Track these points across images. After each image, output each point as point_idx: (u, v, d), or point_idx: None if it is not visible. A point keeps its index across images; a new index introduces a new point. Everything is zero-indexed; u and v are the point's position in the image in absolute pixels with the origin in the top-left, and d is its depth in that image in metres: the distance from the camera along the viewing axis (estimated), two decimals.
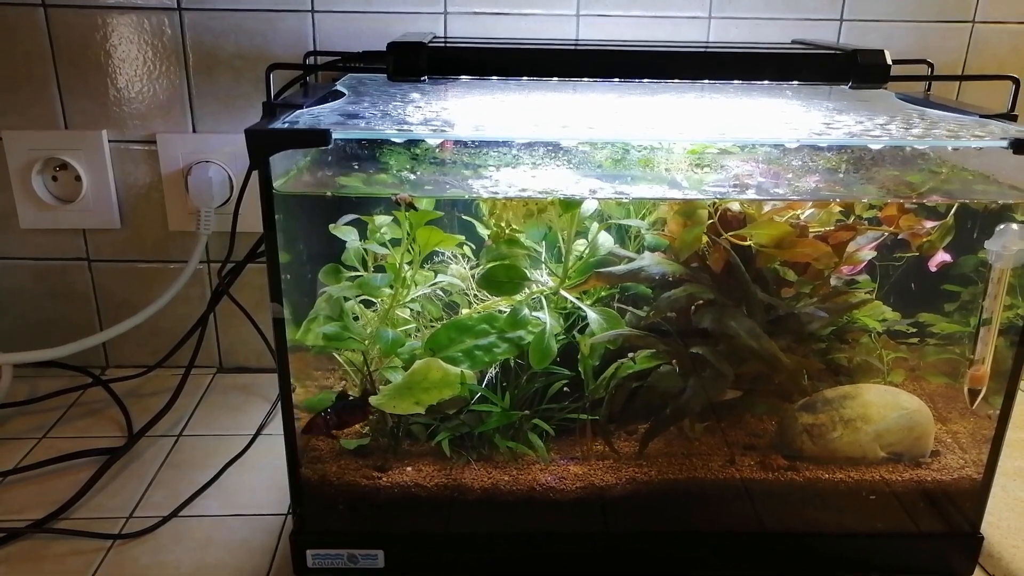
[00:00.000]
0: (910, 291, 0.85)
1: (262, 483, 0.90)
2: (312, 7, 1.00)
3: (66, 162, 1.05)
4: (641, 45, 0.95)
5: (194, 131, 1.05)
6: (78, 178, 1.06)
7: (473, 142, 0.67)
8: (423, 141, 0.69)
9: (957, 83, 1.02)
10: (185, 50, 1.02)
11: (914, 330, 0.85)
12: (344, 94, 0.83)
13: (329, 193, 0.67)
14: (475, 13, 1.01)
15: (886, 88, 0.89)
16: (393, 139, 0.65)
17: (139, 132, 1.05)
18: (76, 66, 1.02)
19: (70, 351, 1.02)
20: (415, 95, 0.81)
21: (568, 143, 0.66)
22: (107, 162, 1.06)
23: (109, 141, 1.05)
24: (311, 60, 0.94)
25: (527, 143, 0.68)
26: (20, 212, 1.07)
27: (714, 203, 0.70)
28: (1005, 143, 0.64)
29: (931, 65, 0.89)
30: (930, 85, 0.90)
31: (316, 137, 0.63)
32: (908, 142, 0.67)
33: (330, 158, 0.72)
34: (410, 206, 0.67)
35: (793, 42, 0.95)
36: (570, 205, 0.70)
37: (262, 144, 0.63)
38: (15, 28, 1.00)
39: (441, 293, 0.78)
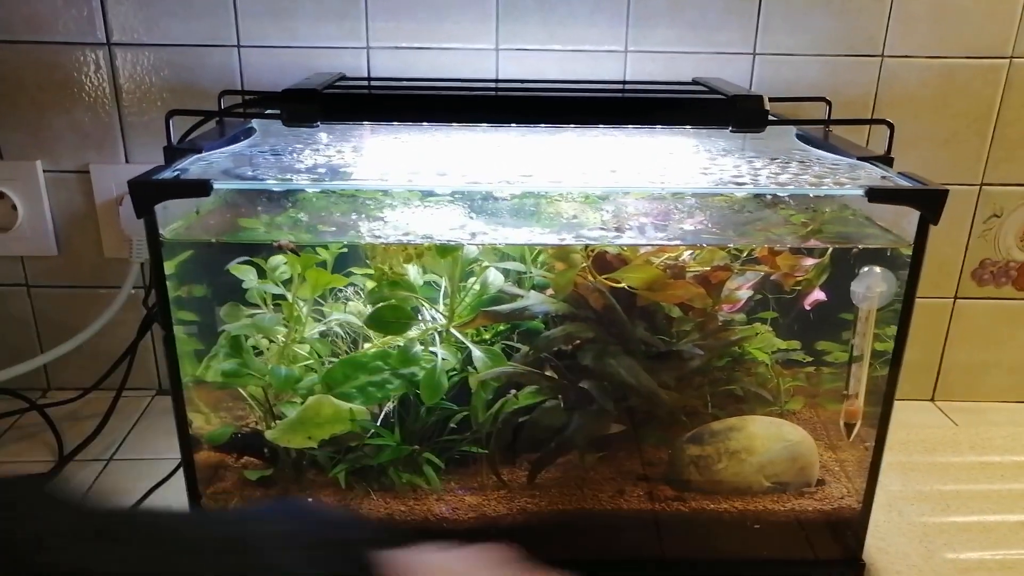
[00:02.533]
0: (808, 320, 0.87)
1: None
2: (238, 42, 1.03)
3: (2, 192, 1.08)
4: (547, 83, 0.97)
5: (127, 161, 1.08)
6: (14, 207, 1.09)
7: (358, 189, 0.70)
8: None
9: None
10: (116, 83, 1.05)
11: (810, 359, 0.87)
12: (255, 131, 0.86)
13: (214, 240, 0.70)
14: (397, 48, 1.03)
15: (790, 125, 0.92)
16: (272, 189, 0.67)
17: (73, 162, 1.08)
18: (9, 99, 1.04)
19: (6, 376, 1.04)
20: (322, 135, 0.84)
21: (444, 191, 0.69)
22: (42, 191, 1.09)
23: (44, 171, 1.08)
24: (224, 99, 0.96)
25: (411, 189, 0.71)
26: None
27: (586, 247, 0.72)
28: (861, 191, 0.67)
29: (829, 103, 0.92)
30: (828, 127, 0.92)
31: (198, 188, 0.66)
32: (771, 190, 0.69)
33: (232, 201, 0.75)
34: (293, 251, 0.70)
35: (693, 81, 0.97)
36: (446, 250, 0.73)
37: (146, 194, 0.66)
38: None
39: (339, 330, 0.80)
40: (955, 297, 1.16)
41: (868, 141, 1.01)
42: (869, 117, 1.03)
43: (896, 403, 0.74)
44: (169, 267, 0.72)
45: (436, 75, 1.04)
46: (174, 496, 0.94)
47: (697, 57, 1.04)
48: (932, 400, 1.21)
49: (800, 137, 0.88)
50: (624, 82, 1.00)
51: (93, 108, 1.06)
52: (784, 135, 0.90)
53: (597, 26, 1.03)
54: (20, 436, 1.07)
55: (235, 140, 0.83)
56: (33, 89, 1.04)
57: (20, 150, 1.07)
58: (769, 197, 0.76)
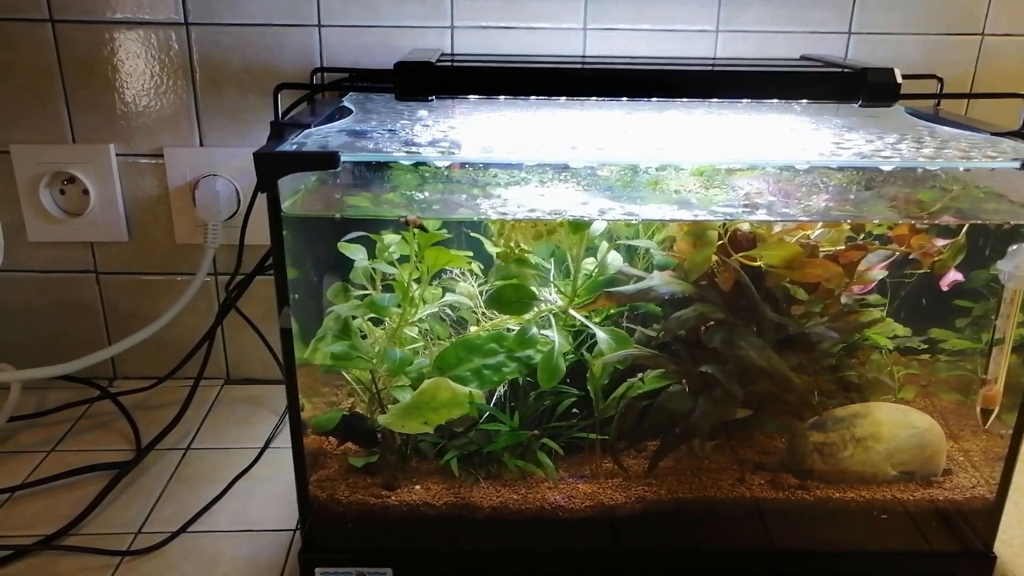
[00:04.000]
0: (921, 307, 0.84)
1: (270, 498, 0.90)
2: (319, 22, 1.00)
3: (74, 175, 1.05)
4: (648, 61, 0.94)
5: (201, 145, 1.06)
6: (86, 191, 1.06)
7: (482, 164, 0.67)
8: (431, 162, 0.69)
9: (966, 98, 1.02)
10: (192, 64, 1.02)
11: (925, 346, 0.84)
12: (351, 111, 0.83)
13: (338, 215, 0.67)
14: (482, 27, 1.01)
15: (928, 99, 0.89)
16: (402, 161, 0.64)
17: (146, 146, 1.06)
18: (83, 80, 1.02)
19: (79, 366, 1.02)
20: (422, 113, 0.81)
21: (576, 165, 0.66)
22: (114, 175, 1.06)
23: (117, 155, 1.05)
24: (318, 77, 0.94)
25: (535, 164, 0.68)
26: (28, 225, 1.07)
27: (723, 224, 0.70)
28: (1018, 164, 0.64)
29: (941, 80, 0.89)
30: (940, 101, 0.90)
31: (325, 160, 0.63)
32: (920, 163, 0.66)
33: (337, 177, 0.72)
34: (420, 227, 0.67)
35: (801, 57, 0.94)
36: (579, 226, 0.70)
37: (271, 167, 0.63)
38: (22, 43, 1.00)
39: (449, 311, 0.78)
40: None
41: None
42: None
43: None
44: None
45: (522, 55, 1.01)
46: (258, 484, 0.92)
47: (790, 36, 1.01)
48: None
49: (913, 115, 0.85)
50: (727, 60, 0.98)
51: (168, 89, 1.03)
52: (893, 114, 0.87)
53: (687, 5, 1.00)
54: (93, 426, 1.05)
55: (332, 119, 0.81)
56: (107, 70, 1.02)
57: (93, 133, 1.05)
58: (888, 174, 0.73)
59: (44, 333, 1.12)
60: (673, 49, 1.01)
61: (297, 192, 0.71)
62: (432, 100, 0.73)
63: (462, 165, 0.66)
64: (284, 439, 1.01)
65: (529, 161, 0.64)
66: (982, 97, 0.90)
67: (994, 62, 1.01)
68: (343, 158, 0.63)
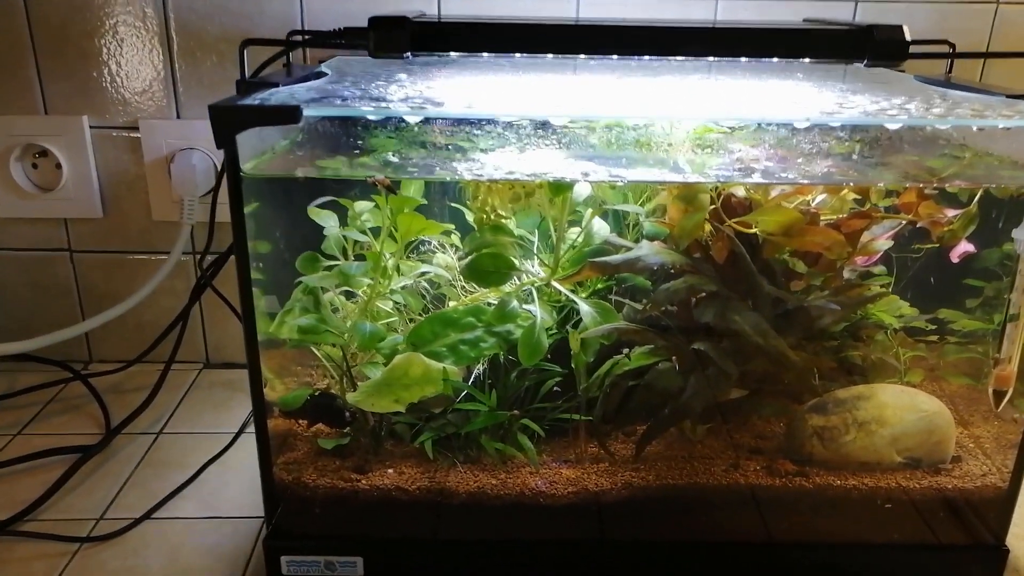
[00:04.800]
0: (929, 285, 0.79)
1: (241, 484, 0.86)
2: None
3: (46, 149, 1.01)
4: (643, 23, 0.90)
5: (178, 117, 1.01)
6: (59, 165, 1.02)
7: (459, 121, 0.63)
8: (406, 123, 0.64)
9: (980, 66, 0.97)
10: (168, 32, 0.98)
11: (933, 327, 0.79)
12: (327, 74, 0.79)
13: (301, 174, 0.63)
14: None
15: (904, 71, 0.84)
16: (369, 116, 0.60)
17: (121, 118, 1.02)
18: (56, 49, 0.98)
19: (45, 343, 0.98)
20: (401, 75, 0.77)
21: (558, 122, 0.61)
22: (88, 149, 1.02)
23: (90, 127, 1.02)
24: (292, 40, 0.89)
25: (515, 123, 0.63)
26: None
27: (717, 187, 0.65)
28: None
29: (952, 45, 0.84)
30: (951, 66, 0.85)
31: (286, 114, 0.58)
32: (928, 121, 0.61)
33: (307, 141, 0.68)
34: (389, 189, 0.63)
35: (804, 21, 0.89)
36: (560, 188, 0.65)
37: (228, 120, 0.58)
38: None
39: (427, 285, 0.73)
40: None
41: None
42: (982, 65, 0.95)
43: None
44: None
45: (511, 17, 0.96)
46: (230, 470, 0.88)
47: (794, 4, 0.96)
48: None
49: (923, 81, 0.80)
50: (726, 24, 0.93)
51: (143, 59, 0.99)
52: (902, 80, 0.82)
53: None
54: (65, 408, 1.01)
55: (305, 81, 0.76)
56: (80, 37, 0.98)
57: (65, 104, 1.01)
58: (896, 139, 0.68)
59: (17, 313, 1.08)
60: (671, 15, 0.97)
61: (262, 155, 0.66)
62: (408, 56, 0.68)
63: (441, 122, 0.62)
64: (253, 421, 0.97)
65: (504, 116, 0.59)
66: (996, 56, 0.85)
67: (1009, 31, 0.96)
68: (306, 112, 0.59)
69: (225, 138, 0.59)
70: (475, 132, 0.64)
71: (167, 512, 0.82)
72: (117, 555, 0.75)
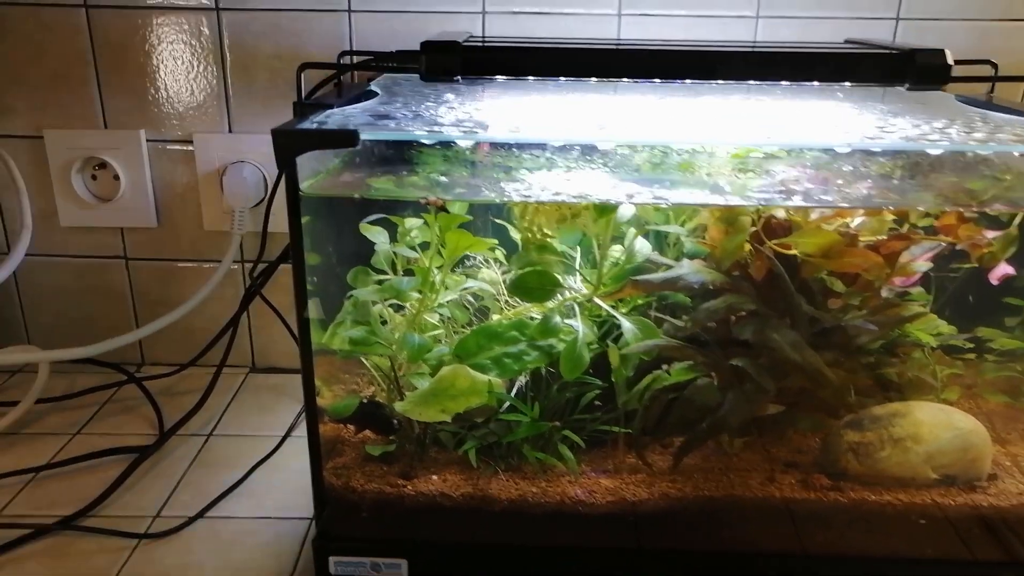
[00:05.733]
0: (966, 304, 0.80)
1: (289, 485, 0.89)
2: (349, 7, 0.99)
3: (105, 161, 1.06)
4: (684, 45, 0.91)
5: (230, 131, 1.05)
6: (116, 177, 1.07)
7: (507, 144, 0.65)
8: (455, 144, 0.67)
9: (1021, 88, 0.97)
10: (223, 50, 1.02)
11: (971, 345, 0.80)
12: (377, 94, 0.82)
13: (357, 195, 0.66)
14: (514, 12, 0.99)
15: (945, 91, 0.85)
16: (422, 140, 0.63)
17: (176, 132, 1.06)
18: (116, 66, 1.03)
19: (104, 349, 1.02)
20: (449, 96, 0.79)
21: (605, 146, 0.63)
22: (145, 161, 1.06)
23: (147, 140, 1.06)
24: (346, 60, 0.93)
25: (562, 146, 0.66)
26: (60, 210, 1.08)
27: (758, 210, 0.67)
28: None
29: (995, 66, 0.84)
30: (994, 87, 0.85)
31: (344, 138, 0.61)
32: (969, 147, 0.62)
33: (359, 159, 0.71)
34: (440, 208, 0.65)
35: (846, 42, 0.90)
36: (605, 210, 0.68)
37: (289, 144, 0.62)
38: (57, 28, 1.01)
39: (471, 298, 0.76)
40: None
41: None
42: None
43: None
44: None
45: (554, 39, 0.99)
46: (278, 472, 0.91)
47: (835, 22, 0.97)
48: None
49: (964, 102, 0.81)
50: (766, 43, 0.94)
51: (198, 76, 1.03)
52: (943, 101, 0.83)
53: None
54: (119, 410, 1.05)
55: (357, 101, 0.79)
56: (139, 55, 1.02)
57: (124, 119, 1.05)
58: (936, 162, 0.69)
59: (75, 317, 1.13)
60: (710, 36, 0.98)
61: (318, 174, 0.69)
62: (459, 80, 0.71)
63: (489, 145, 0.64)
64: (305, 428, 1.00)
65: (553, 140, 0.62)
66: None
67: None
68: (363, 136, 0.62)
69: (286, 160, 0.62)
70: (524, 155, 0.66)
71: (219, 511, 0.85)
72: (173, 552, 0.79)
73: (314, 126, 0.65)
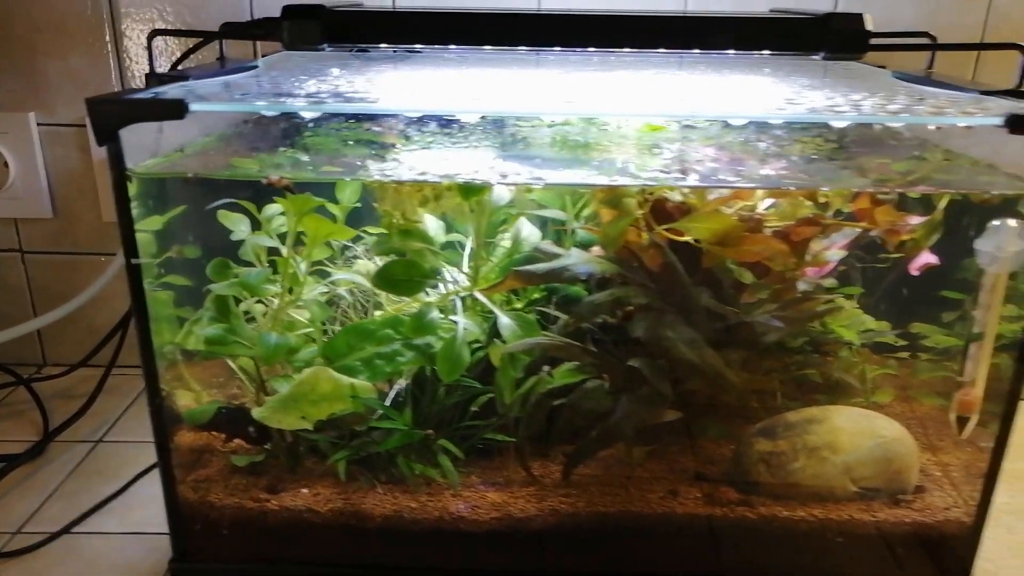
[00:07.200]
0: (902, 298, 0.73)
1: None
2: None
3: None
4: (600, 14, 0.84)
5: None
6: (6, 164, 0.99)
7: (363, 116, 0.58)
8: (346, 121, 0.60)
9: (972, 63, 0.90)
10: (115, 27, 0.95)
11: (904, 343, 0.73)
12: (257, 67, 0.74)
13: (190, 175, 0.58)
14: None
15: (885, 67, 0.78)
16: (263, 112, 0.55)
17: (70, 114, 0.98)
18: (1, 43, 0.95)
19: None
20: (334, 70, 0.72)
21: (469, 119, 0.56)
22: (36, 146, 0.99)
23: (38, 124, 0.99)
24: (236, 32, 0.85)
25: (445, 122, 0.58)
26: None
27: (644, 190, 0.59)
28: (999, 120, 0.52)
29: (933, 38, 0.77)
30: (932, 61, 0.78)
31: (168, 108, 0.54)
32: (879, 118, 0.55)
33: (239, 137, 0.64)
34: (287, 189, 0.58)
35: (771, 11, 0.83)
36: (471, 191, 0.60)
37: (108, 116, 0.54)
38: None
39: (348, 296, 0.68)
40: None
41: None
42: (975, 61, 0.88)
43: None
44: (156, 223, 0.62)
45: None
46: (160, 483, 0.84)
47: None
48: None
49: (900, 78, 0.73)
50: (671, 13, 0.86)
51: (91, 54, 0.96)
52: (878, 75, 0.76)
53: None
54: (10, 413, 0.98)
55: (230, 74, 0.72)
56: (27, 32, 0.95)
57: (12, 100, 0.98)
58: (857, 140, 0.62)
59: None
60: (640, 6, 0.91)
61: (181, 151, 0.62)
62: (324, 48, 0.64)
63: (368, 118, 0.57)
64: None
65: (408, 111, 0.54)
66: (972, 48, 0.78)
67: (1003, 25, 0.89)
68: (192, 107, 0.54)
69: (106, 134, 0.55)
70: (409, 132, 0.59)
71: (88, 527, 0.78)
72: (23, 573, 0.72)
73: (150, 96, 0.57)
